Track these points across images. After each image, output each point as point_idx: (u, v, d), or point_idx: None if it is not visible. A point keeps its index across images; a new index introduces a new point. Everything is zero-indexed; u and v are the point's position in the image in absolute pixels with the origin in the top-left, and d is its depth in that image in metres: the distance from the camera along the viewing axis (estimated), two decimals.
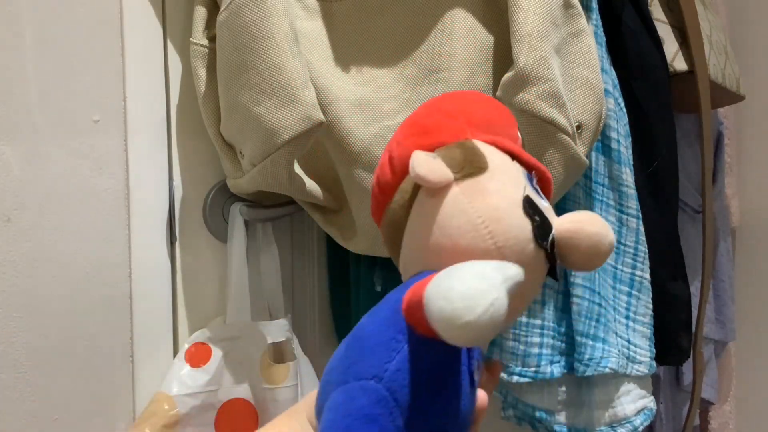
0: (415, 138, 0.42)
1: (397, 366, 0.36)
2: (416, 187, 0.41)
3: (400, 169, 0.42)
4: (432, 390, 0.37)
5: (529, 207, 0.39)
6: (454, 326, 0.31)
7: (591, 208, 0.71)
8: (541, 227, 0.39)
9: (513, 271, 0.33)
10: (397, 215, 0.42)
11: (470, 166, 0.39)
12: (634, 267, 0.73)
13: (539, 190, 0.42)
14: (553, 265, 0.40)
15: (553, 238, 0.39)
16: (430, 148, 0.41)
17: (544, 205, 0.41)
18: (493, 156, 0.41)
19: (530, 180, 0.42)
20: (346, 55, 0.66)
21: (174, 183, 0.69)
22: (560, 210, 0.70)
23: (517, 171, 0.41)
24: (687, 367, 0.94)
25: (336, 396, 0.37)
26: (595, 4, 0.70)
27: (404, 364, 0.36)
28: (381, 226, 0.45)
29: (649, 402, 0.75)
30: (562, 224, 0.40)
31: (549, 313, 0.71)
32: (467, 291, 0.31)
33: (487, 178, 0.39)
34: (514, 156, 0.42)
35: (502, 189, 0.39)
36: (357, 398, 0.36)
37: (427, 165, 0.39)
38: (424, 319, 0.33)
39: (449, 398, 0.37)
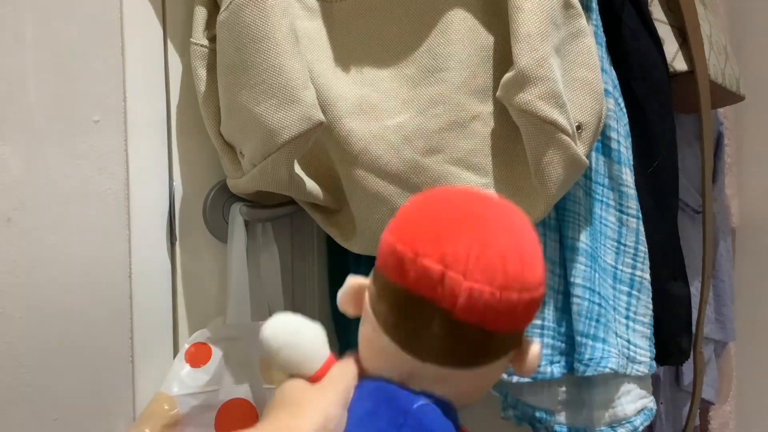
0: (533, 315, 0.43)
1: None
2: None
3: (521, 326, 0.44)
4: None
5: None
6: None
7: (591, 208, 0.71)
8: None
9: None
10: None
11: None
12: (634, 267, 0.73)
13: None
14: None
15: None
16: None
17: None
18: None
19: None
20: (347, 55, 0.66)
21: (174, 183, 0.69)
22: (561, 210, 0.70)
23: None
24: (687, 367, 0.94)
25: None
26: (595, 4, 0.70)
27: None
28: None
29: (649, 402, 0.75)
30: None
31: (549, 313, 0.71)
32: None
33: None
34: None
35: None
36: None
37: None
38: None
39: None
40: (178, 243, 0.70)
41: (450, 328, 0.40)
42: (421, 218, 0.42)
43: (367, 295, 0.45)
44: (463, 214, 0.42)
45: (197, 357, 0.66)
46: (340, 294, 0.47)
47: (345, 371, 0.45)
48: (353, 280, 0.46)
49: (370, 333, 0.44)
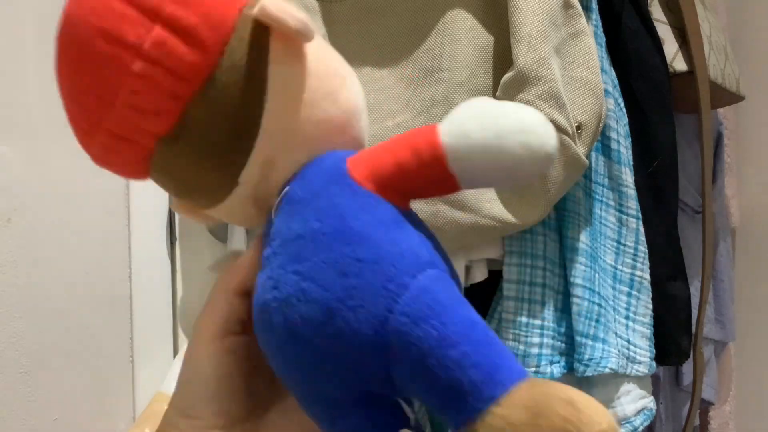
0: None
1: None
2: (256, 51, 0.30)
3: (214, 34, 0.29)
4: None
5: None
6: (543, 156, 0.28)
7: (591, 208, 0.71)
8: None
9: None
10: (232, 100, 0.30)
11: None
12: (633, 267, 0.73)
13: None
14: None
15: None
16: (239, 7, 0.30)
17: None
18: None
19: None
20: (346, 55, 0.66)
21: None
22: (561, 210, 0.70)
23: None
24: (687, 367, 0.94)
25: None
26: (594, 4, 0.70)
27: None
28: (186, 133, 0.30)
29: (649, 402, 0.75)
30: None
31: (549, 313, 0.71)
32: (540, 118, 0.28)
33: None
34: None
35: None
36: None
37: (286, 8, 0.29)
38: (446, 175, 0.29)
39: None
40: (178, 243, 0.70)
41: (178, 147, 0.31)
42: None
43: None
44: None
45: None
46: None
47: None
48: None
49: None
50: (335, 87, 0.34)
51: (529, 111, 0.29)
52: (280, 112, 0.31)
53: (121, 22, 0.29)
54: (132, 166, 0.33)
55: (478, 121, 0.28)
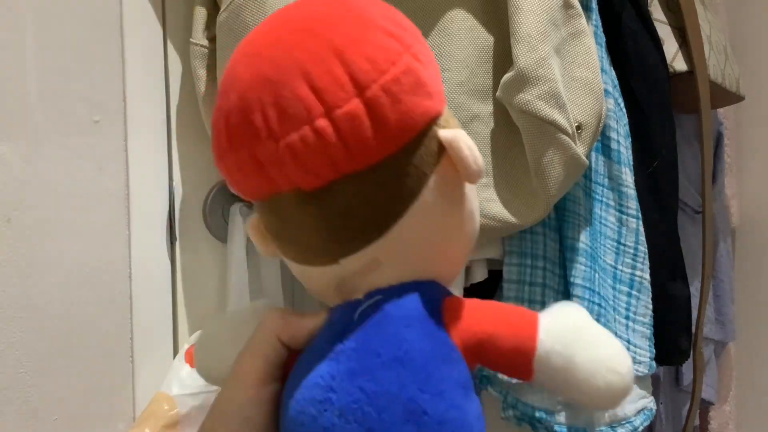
0: (417, 98, 0.30)
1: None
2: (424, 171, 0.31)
3: (403, 134, 0.30)
4: None
5: None
6: (619, 398, 0.32)
7: (591, 208, 0.71)
8: None
9: None
10: (378, 198, 0.31)
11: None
12: (633, 267, 0.73)
13: None
14: None
15: None
16: (433, 117, 0.31)
17: None
18: None
19: None
20: None
21: (174, 183, 0.69)
22: (561, 210, 0.70)
23: None
24: (687, 367, 0.94)
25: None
26: (594, 4, 0.70)
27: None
28: (313, 196, 0.31)
29: (649, 402, 0.75)
30: None
31: None
32: (629, 363, 0.32)
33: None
34: None
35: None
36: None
37: (472, 146, 0.31)
38: (527, 371, 0.32)
39: None
40: (178, 243, 0.70)
41: (307, 206, 0.31)
42: None
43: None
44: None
45: None
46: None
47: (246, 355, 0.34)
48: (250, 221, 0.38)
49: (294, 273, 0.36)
50: (466, 225, 0.35)
51: (621, 349, 0.32)
52: (412, 227, 0.32)
53: (328, 77, 0.29)
54: (253, 190, 0.33)
55: (576, 341, 0.31)
